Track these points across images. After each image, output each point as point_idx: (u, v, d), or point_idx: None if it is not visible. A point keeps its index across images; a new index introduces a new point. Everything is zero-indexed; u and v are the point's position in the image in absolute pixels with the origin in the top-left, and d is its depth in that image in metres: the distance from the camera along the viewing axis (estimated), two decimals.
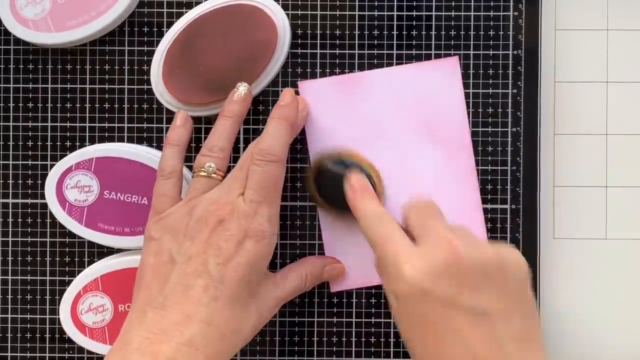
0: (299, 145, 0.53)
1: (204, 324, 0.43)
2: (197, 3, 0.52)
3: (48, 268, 0.53)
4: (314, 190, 0.51)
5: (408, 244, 0.42)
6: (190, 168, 0.51)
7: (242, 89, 0.49)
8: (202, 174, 0.47)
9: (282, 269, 0.50)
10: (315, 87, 0.53)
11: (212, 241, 0.44)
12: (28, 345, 0.53)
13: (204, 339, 0.42)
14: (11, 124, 0.53)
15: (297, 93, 0.53)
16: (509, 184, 0.53)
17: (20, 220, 0.53)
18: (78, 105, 0.53)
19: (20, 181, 0.53)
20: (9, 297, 0.53)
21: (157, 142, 0.53)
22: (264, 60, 0.50)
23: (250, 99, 0.50)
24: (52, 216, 0.53)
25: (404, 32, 0.53)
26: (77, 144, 0.53)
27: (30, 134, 0.53)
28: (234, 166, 0.48)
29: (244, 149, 0.53)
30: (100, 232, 0.51)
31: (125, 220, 0.51)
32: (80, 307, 0.51)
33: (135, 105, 0.53)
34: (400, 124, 0.53)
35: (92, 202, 0.51)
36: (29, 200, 0.53)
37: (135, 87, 0.53)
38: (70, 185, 0.51)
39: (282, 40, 0.51)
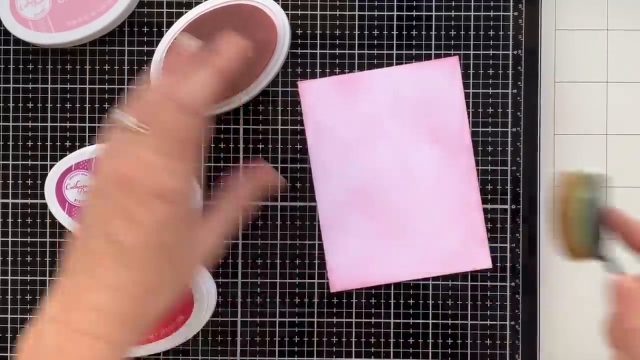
0: (299, 145, 0.53)
1: (114, 291, 0.40)
2: (197, 3, 0.52)
3: (48, 268, 0.53)
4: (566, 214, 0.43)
5: None
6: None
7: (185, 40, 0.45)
8: (127, 127, 0.42)
9: (210, 215, 0.47)
10: (315, 87, 0.53)
11: (119, 201, 0.40)
12: None
13: (114, 304, 0.40)
14: (11, 124, 0.53)
15: (297, 93, 0.53)
16: (509, 184, 0.53)
17: (20, 220, 0.53)
18: (78, 105, 0.53)
19: (20, 181, 0.53)
20: (9, 297, 0.53)
21: None
22: (264, 60, 0.50)
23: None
24: (52, 216, 0.53)
25: (404, 32, 0.53)
26: (77, 144, 0.53)
27: (30, 134, 0.53)
28: None
29: (244, 149, 0.53)
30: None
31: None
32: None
33: None
34: (400, 124, 0.53)
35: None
36: (29, 200, 0.53)
37: (136, 87, 0.53)
38: (70, 186, 0.51)
39: (282, 40, 0.51)
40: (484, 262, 0.52)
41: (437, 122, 0.52)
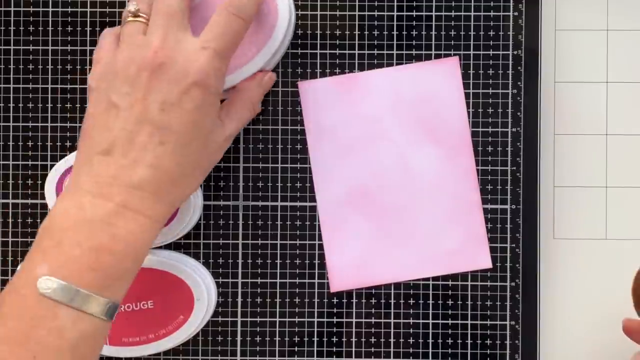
0: (299, 145, 0.53)
1: (151, 168, 0.43)
2: None
3: None
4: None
5: None
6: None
7: None
8: (130, 18, 0.45)
9: (227, 103, 0.49)
10: (315, 87, 0.53)
11: (152, 85, 0.43)
12: None
13: (152, 183, 0.43)
14: (11, 124, 0.53)
15: (297, 94, 0.53)
16: (509, 184, 0.53)
17: (20, 220, 0.53)
18: (78, 105, 0.53)
19: (20, 181, 0.53)
20: None
21: None
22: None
23: None
24: None
25: (404, 32, 0.53)
26: (77, 144, 0.53)
27: (30, 134, 0.53)
28: None
29: (244, 149, 0.53)
30: None
31: None
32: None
33: None
34: (400, 124, 0.53)
35: None
36: (29, 201, 0.53)
37: None
38: None
39: (283, 26, 0.50)
40: (484, 262, 0.52)
41: (437, 122, 0.52)
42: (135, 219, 0.42)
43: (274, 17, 0.50)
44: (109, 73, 0.44)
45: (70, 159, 0.51)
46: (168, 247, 0.53)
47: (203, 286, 0.51)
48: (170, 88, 0.43)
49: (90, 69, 0.53)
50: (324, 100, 0.53)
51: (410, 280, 0.53)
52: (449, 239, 0.52)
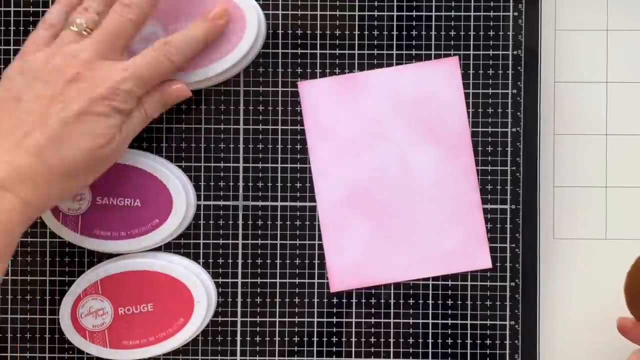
0: (299, 145, 0.53)
1: (34, 157, 0.44)
2: None
3: (48, 268, 0.53)
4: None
5: None
6: (190, 177, 0.51)
7: None
8: (73, 28, 0.47)
9: None
10: (315, 87, 0.53)
11: (64, 92, 0.45)
12: (28, 345, 0.53)
13: (33, 170, 0.44)
14: None
15: (297, 94, 0.53)
16: (509, 184, 0.53)
17: None
18: None
19: None
20: (9, 297, 0.53)
21: (147, 143, 0.53)
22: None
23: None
24: None
25: (404, 32, 0.53)
26: None
27: None
28: None
29: (244, 149, 0.53)
30: (96, 239, 0.51)
31: (120, 224, 0.51)
32: (80, 311, 0.51)
33: None
34: (400, 124, 0.53)
35: (85, 209, 0.51)
36: None
37: None
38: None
39: (251, 33, 0.50)
40: (484, 262, 0.52)
41: (437, 122, 0.52)
42: (6, 198, 0.43)
43: (241, 24, 0.50)
44: (30, 68, 0.46)
45: None
46: (168, 248, 0.53)
47: (203, 288, 0.51)
48: (81, 97, 0.45)
49: None
50: (324, 100, 0.53)
51: (410, 280, 0.53)
52: (449, 239, 0.52)
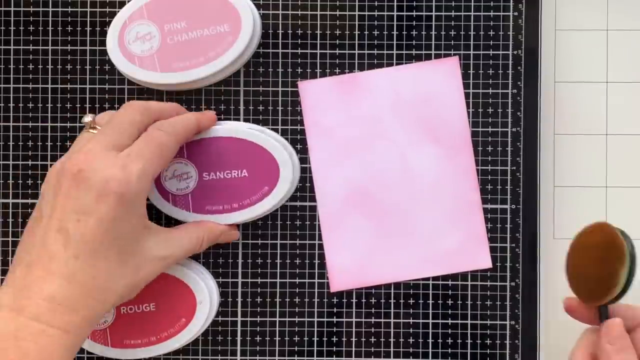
0: (299, 145, 0.53)
1: (64, 280, 0.42)
2: None
3: None
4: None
5: None
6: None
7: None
8: (85, 129, 0.47)
9: (174, 228, 0.49)
10: (315, 87, 0.53)
11: (71, 193, 0.43)
12: None
13: (66, 295, 0.42)
14: (11, 124, 0.53)
15: (297, 94, 0.53)
16: (509, 184, 0.53)
17: (20, 220, 0.53)
18: (78, 105, 0.53)
19: (20, 181, 0.53)
20: None
21: None
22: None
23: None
24: None
25: (404, 32, 0.53)
26: None
27: (30, 134, 0.53)
28: None
29: None
30: (210, 214, 0.51)
31: (230, 197, 0.51)
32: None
33: None
34: (400, 123, 0.53)
35: (193, 187, 0.51)
36: (29, 200, 0.53)
37: (135, 87, 0.53)
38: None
39: (247, 31, 0.51)
40: (484, 262, 0.52)
41: (437, 122, 0.52)
42: (45, 332, 0.41)
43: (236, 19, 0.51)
44: (49, 181, 0.45)
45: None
46: None
47: (205, 289, 0.51)
48: (87, 196, 0.42)
49: (90, 71, 0.53)
50: (324, 100, 0.53)
51: (410, 280, 0.53)
52: (449, 239, 0.52)
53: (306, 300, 0.53)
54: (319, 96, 0.53)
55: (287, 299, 0.53)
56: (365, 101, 0.53)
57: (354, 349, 0.53)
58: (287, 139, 0.53)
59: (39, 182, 0.53)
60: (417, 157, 0.53)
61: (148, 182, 0.45)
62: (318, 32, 0.53)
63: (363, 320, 0.53)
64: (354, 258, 0.53)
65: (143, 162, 0.44)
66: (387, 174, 0.53)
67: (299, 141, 0.53)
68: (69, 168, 0.43)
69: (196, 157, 0.51)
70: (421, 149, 0.53)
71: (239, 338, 0.53)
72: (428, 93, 0.52)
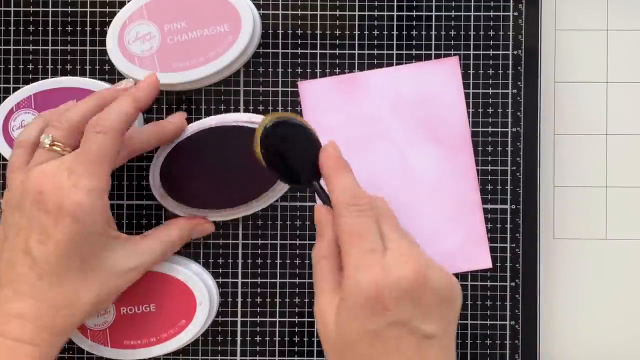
0: None
1: (31, 299, 0.44)
2: None
3: None
4: (261, 154, 0.46)
5: (381, 250, 0.42)
6: None
7: (125, 82, 0.49)
8: (44, 145, 0.46)
9: (143, 235, 0.49)
10: (315, 87, 0.53)
11: (33, 215, 0.44)
12: None
13: (33, 313, 0.44)
14: None
15: (297, 94, 0.53)
16: (509, 184, 0.53)
17: None
18: None
19: None
20: None
21: None
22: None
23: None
24: None
25: (404, 32, 0.53)
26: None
27: None
28: None
29: None
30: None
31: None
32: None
33: None
34: (400, 124, 0.53)
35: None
36: None
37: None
38: (15, 127, 0.51)
39: (247, 32, 0.50)
40: (484, 262, 0.52)
41: (437, 122, 0.52)
42: (15, 348, 0.43)
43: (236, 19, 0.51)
44: (9, 199, 0.46)
45: (9, 101, 0.51)
46: None
47: (205, 290, 0.51)
48: (47, 219, 0.43)
49: (90, 71, 0.53)
50: (324, 100, 0.53)
51: None
52: (449, 239, 0.52)
53: (306, 300, 0.53)
54: (319, 96, 0.53)
55: (287, 299, 0.53)
56: (365, 101, 0.53)
57: None
58: None
59: None
60: (417, 157, 0.53)
61: (99, 195, 0.45)
62: (318, 32, 0.53)
63: None
64: None
65: (88, 178, 0.44)
66: (387, 174, 0.53)
67: None
68: (30, 188, 0.44)
69: (43, 108, 0.51)
70: (421, 149, 0.53)
71: (239, 338, 0.53)
72: (428, 93, 0.52)
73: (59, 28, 0.53)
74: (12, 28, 0.53)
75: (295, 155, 0.47)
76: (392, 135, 0.53)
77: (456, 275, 0.53)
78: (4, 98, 0.53)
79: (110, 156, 0.45)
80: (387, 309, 0.40)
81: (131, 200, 0.53)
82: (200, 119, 0.53)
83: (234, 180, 0.51)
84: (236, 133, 0.51)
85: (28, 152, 0.47)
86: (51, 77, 0.53)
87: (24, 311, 0.43)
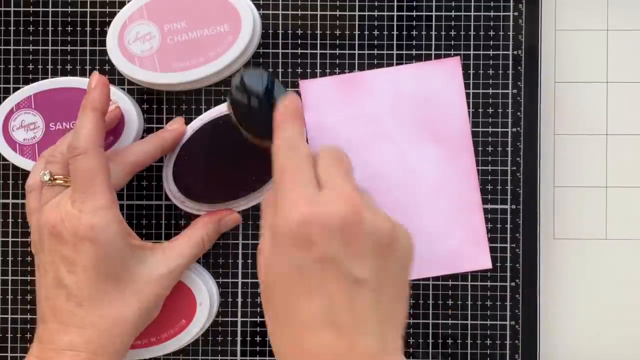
0: None
1: (77, 327, 0.45)
2: None
3: None
4: (232, 112, 0.47)
5: (313, 187, 0.40)
6: None
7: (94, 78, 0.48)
8: (47, 183, 0.47)
9: (171, 240, 0.50)
10: (316, 87, 0.53)
11: (54, 250, 0.45)
12: (28, 345, 0.53)
13: (83, 341, 0.44)
14: None
15: (298, 93, 0.53)
16: (509, 184, 0.53)
17: (20, 220, 0.53)
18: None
19: (20, 181, 0.53)
20: (9, 297, 0.53)
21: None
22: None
23: (107, 91, 0.48)
24: None
25: (404, 32, 0.53)
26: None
27: None
28: None
29: None
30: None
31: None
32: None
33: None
34: (400, 124, 0.53)
35: (40, 138, 0.51)
36: None
37: (135, 87, 0.53)
38: (15, 127, 0.51)
39: (247, 33, 0.50)
40: (484, 262, 0.52)
41: (438, 122, 0.52)
42: None
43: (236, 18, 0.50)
44: (34, 240, 0.48)
45: (9, 102, 0.51)
46: None
47: (205, 291, 0.51)
48: (67, 248, 0.45)
49: (90, 71, 0.53)
50: (325, 99, 0.53)
51: (410, 281, 0.53)
52: (449, 239, 0.52)
53: None
54: (319, 95, 0.53)
55: None
56: (366, 101, 0.53)
57: None
58: None
59: None
60: (418, 157, 0.53)
61: (108, 211, 0.45)
62: (318, 32, 0.53)
63: None
64: None
65: (90, 200, 0.45)
66: (387, 174, 0.53)
67: None
68: (44, 225, 0.46)
69: (43, 108, 0.51)
70: (422, 149, 0.52)
71: (239, 338, 0.53)
72: (429, 93, 0.52)
73: (59, 28, 0.53)
74: (12, 28, 0.53)
75: (262, 110, 0.46)
76: (393, 135, 0.53)
77: (456, 275, 0.53)
78: (4, 98, 0.53)
79: (100, 172, 0.45)
80: (314, 244, 0.37)
81: (131, 200, 0.53)
82: None
83: (248, 164, 0.51)
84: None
85: (38, 194, 0.48)
86: (51, 77, 0.53)
87: (73, 341, 0.44)
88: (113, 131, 0.51)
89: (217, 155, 0.51)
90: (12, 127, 0.51)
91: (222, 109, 0.51)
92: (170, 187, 0.51)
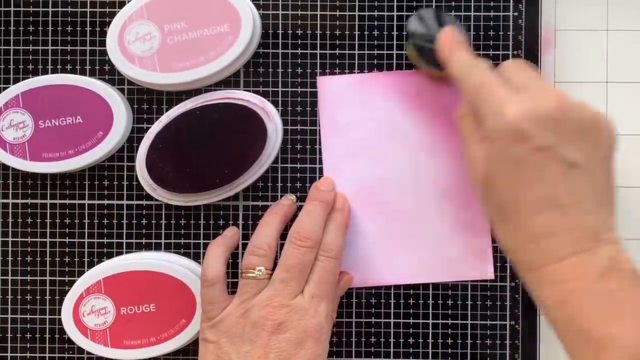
0: (299, 145, 0.53)
1: None
2: None
3: (48, 268, 0.53)
4: (414, 53, 0.51)
5: (510, 90, 0.42)
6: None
7: (290, 197, 0.53)
8: (251, 275, 0.48)
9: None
10: (333, 83, 0.53)
11: (272, 344, 0.46)
12: (28, 345, 0.53)
13: None
14: None
15: (297, 94, 0.53)
16: None
17: (20, 220, 0.53)
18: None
19: (20, 181, 0.53)
20: (9, 297, 0.53)
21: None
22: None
23: (294, 207, 0.52)
24: (52, 216, 0.53)
25: (404, 32, 0.53)
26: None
27: None
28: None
29: None
30: (45, 162, 0.51)
31: (66, 143, 0.51)
32: (82, 309, 0.51)
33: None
34: (415, 128, 0.52)
35: (30, 136, 0.51)
36: (29, 200, 0.53)
37: (135, 87, 0.53)
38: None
39: (246, 32, 0.51)
40: (486, 273, 0.52)
41: (452, 130, 0.52)
42: None
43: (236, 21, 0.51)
44: (230, 330, 0.48)
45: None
46: (168, 247, 0.53)
47: None
48: (288, 345, 0.46)
49: (90, 71, 0.53)
50: (341, 97, 0.53)
51: (411, 284, 0.53)
52: (453, 246, 0.52)
53: None
54: (335, 93, 0.53)
55: None
56: (382, 102, 0.52)
57: (354, 349, 0.53)
58: (287, 139, 0.53)
59: (39, 182, 0.53)
60: (428, 163, 0.52)
61: (330, 318, 0.49)
62: (318, 32, 0.53)
63: (363, 320, 0.53)
64: (356, 258, 0.53)
65: (326, 302, 0.48)
66: (396, 176, 0.52)
67: (299, 141, 0.53)
68: (265, 321, 0.46)
69: (32, 106, 0.51)
70: (433, 155, 0.52)
71: None
72: (446, 100, 0.52)
73: (59, 28, 0.53)
74: (12, 28, 0.53)
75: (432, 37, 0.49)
76: (405, 139, 0.52)
77: (456, 282, 0.53)
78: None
79: (337, 279, 0.50)
80: (530, 136, 0.40)
81: (131, 200, 0.53)
82: None
83: (223, 156, 0.51)
84: (212, 111, 0.51)
85: (222, 287, 0.49)
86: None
87: None
88: (102, 126, 0.51)
89: (191, 146, 0.51)
90: (2, 127, 0.51)
91: (197, 100, 0.51)
92: (143, 173, 0.51)
